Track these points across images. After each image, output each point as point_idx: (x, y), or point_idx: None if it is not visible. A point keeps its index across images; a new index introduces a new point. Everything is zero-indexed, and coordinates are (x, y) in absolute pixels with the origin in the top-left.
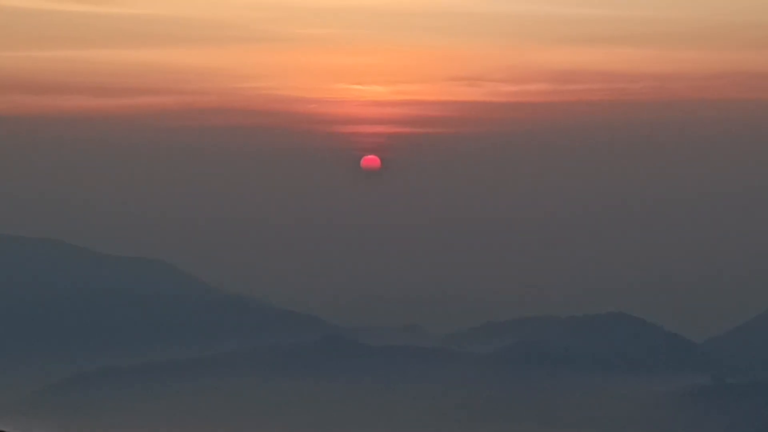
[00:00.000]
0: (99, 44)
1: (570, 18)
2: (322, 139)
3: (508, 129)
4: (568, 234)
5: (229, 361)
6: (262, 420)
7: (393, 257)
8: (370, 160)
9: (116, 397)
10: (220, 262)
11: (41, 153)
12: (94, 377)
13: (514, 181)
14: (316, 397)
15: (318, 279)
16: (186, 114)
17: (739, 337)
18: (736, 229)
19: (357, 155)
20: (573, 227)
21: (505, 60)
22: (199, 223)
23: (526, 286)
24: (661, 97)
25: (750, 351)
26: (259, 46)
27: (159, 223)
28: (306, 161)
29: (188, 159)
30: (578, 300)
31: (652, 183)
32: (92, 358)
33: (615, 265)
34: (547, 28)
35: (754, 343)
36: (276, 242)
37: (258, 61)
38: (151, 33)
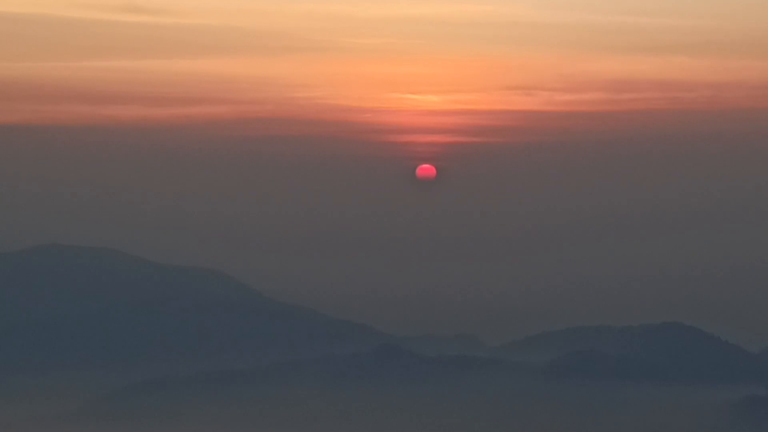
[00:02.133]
0: (153, 54)
1: (624, 27)
2: (377, 149)
3: (563, 138)
4: (623, 244)
5: (283, 371)
6: (317, 431)
7: (447, 266)
8: (426, 170)
9: (170, 407)
10: (274, 272)
11: (97, 163)
12: (148, 387)
13: (569, 190)
14: (371, 408)
15: (372, 288)
16: (240, 124)
17: None
18: None
19: (412, 165)
20: (628, 237)
21: (560, 69)
22: (254, 233)
23: (581, 295)
24: (716, 106)
25: None
26: (314, 56)
27: (214, 233)
28: (361, 170)
29: (243, 169)
30: (633, 310)
31: (708, 192)
32: (146, 367)
33: (670, 275)
34: (601, 37)
35: None
36: (331, 252)
37: (312, 70)
38: (206, 43)
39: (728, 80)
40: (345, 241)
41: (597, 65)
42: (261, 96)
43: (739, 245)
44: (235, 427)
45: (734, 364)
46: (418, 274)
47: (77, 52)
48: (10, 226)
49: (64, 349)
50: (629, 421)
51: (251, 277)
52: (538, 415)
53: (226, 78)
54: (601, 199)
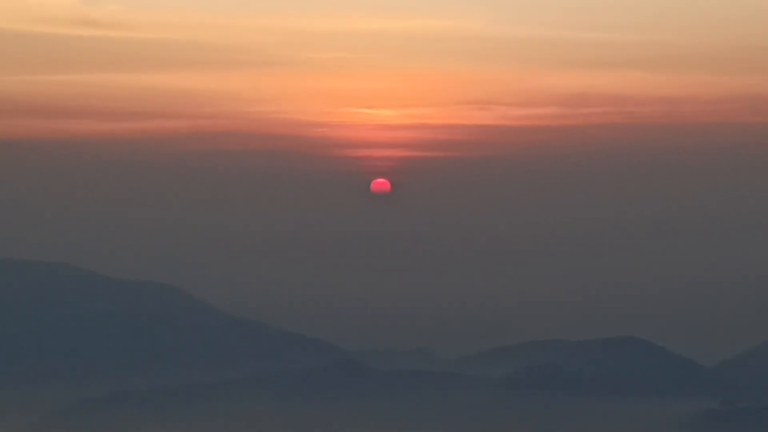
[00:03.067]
0: (109, 68)
1: (580, 42)
2: (332, 163)
3: (519, 152)
4: (577, 257)
5: (239, 386)
6: None
7: (402, 281)
8: (381, 184)
9: (126, 421)
10: (229, 286)
11: (51, 176)
12: (104, 402)
13: (524, 204)
14: (327, 423)
15: (328, 303)
16: (197, 138)
17: (750, 361)
18: (747, 252)
19: (367, 179)
20: (582, 251)
21: (516, 84)
22: (210, 248)
23: (536, 310)
24: (671, 120)
25: (761, 375)
26: (270, 71)
27: (169, 247)
28: (316, 185)
29: (199, 183)
30: (589, 324)
31: (662, 206)
32: (100, 383)
33: (624, 289)
34: (557, 52)
35: (765, 367)
36: (286, 266)
37: (268, 85)
38: (163, 57)
39: (683, 95)
40: (300, 255)
41: (552, 80)
42: (216, 110)
43: (694, 260)
44: None
45: (688, 377)
46: (373, 289)
47: (32, 66)
48: None
49: (18, 365)
50: None
51: (207, 292)
52: (494, 429)
53: (182, 92)
54: (556, 213)
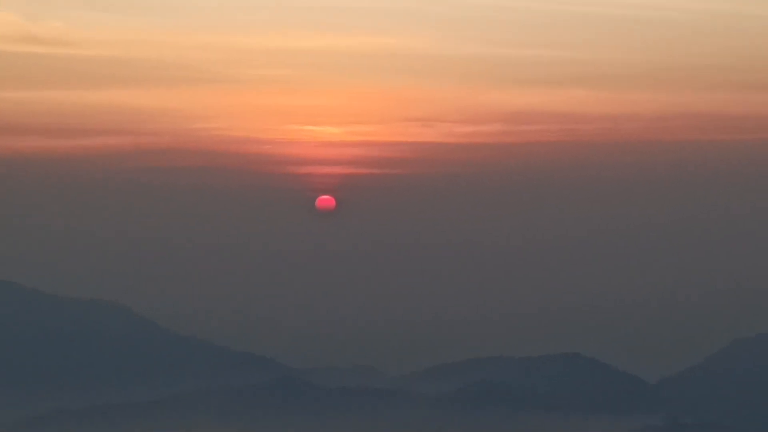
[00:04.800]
0: (51, 85)
1: (523, 59)
2: (276, 180)
3: (462, 169)
4: (521, 274)
5: (181, 403)
6: None
7: (346, 297)
8: (325, 201)
9: None
10: (172, 303)
11: None
12: (45, 420)
13: (468, 220)
14: None
15: (271, 320)
16: (139, 155)
17: (693, 378)
18: (689, 269)
19: (312, 196)
20: (526, 267)
21: (459, 101)
22: (151, 264)
23: (480, 326)
24: (615, 137)
25: (703, 391)
26: (212, 87)
27: (112, 264)
28: (260, 201)
29: (143, 199)
30: (532, 341)
31: (604, 223)
32: (43, 400)
33: (568, 305)
34: (500, 70)
35: (707, 384)
36: (229, 283)
37: (210, 102)
38: (106, 74)
39: (626, 112)
40: (243, 272)
41: (496, 97)
42: (159, 127)
43: (636, 276)
44: None
45: (632, 394)
46: (317, 305)
47: None
48: None
49: None
50: None
51: (149, 309)
52: None
53: (125, 109)
54: (500, 231)
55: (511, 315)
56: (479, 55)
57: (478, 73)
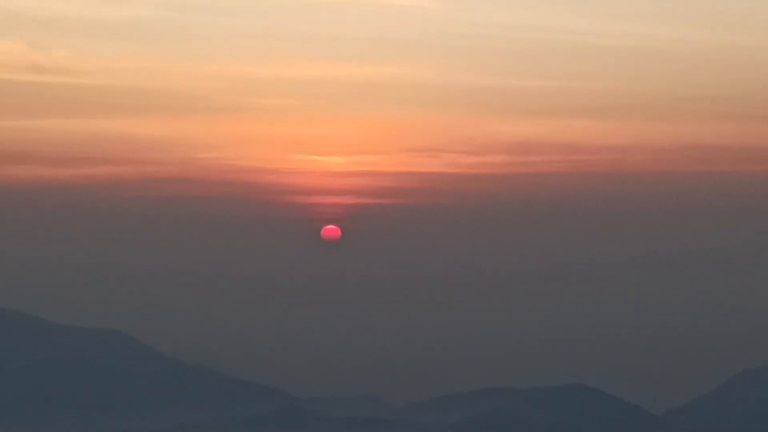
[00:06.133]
0: (56, 114)
1: (528, 90)
2: (281, 210)
3: (468, 200)
4: (528, 305)
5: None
6: None
7: (351, 327)
8: (331, 231)
9: None
10: (178, 333)
11: None
12: None
13: (473, 251)
14: None
15: (277, 349)
16: (143, 184)
17: (699, 409)
18: (694, 301)
19: (317, 226)
20: (533, 299)
21: (465, 132)
22: (157, 293)
23: (486, 357)
24: (620, 169)
25: (709, 423)
26: (218, 117)
27: (116, 294)
28: (266, 231)
29: (146, 229)
30: (537, 372)
31: (609, 254)
32: (46, 429)
33: (575, 337)
34: (506, 100)
35: (713, 415)
36: (235, 313)
37: (217, 131)
38: (110, 103)
39: (632, 143)
40: (249, 301)
41: (501, 128)
42: (164, 156)
43: (640, 308)
44: None
45: (638, 426)
46: (323, 335)
47: None
48: None
49: None
50: None
51: (155, 338)
52: None
53: (129, 138)
54: (506, 261)
55: (516, 345)
56: (484, 86)
57: (483, 103)
